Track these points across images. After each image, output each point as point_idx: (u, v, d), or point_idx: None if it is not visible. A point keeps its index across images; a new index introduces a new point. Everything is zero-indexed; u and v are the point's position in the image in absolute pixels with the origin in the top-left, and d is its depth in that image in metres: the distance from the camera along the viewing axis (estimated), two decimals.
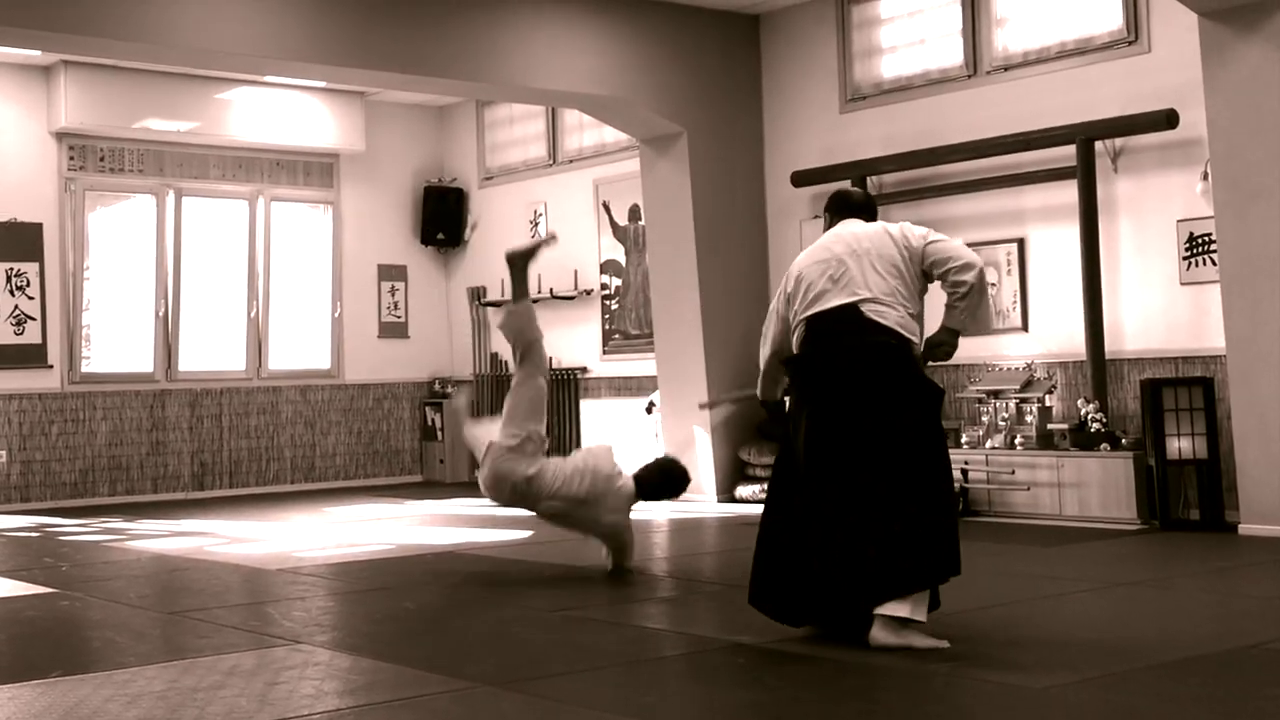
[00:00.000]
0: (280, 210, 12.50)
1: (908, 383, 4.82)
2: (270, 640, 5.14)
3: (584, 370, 11.91)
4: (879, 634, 4.66)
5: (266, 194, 12.38)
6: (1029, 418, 8.74)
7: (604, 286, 11.78)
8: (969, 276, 4.89)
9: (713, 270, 10.35)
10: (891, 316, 4.83)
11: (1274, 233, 7.46)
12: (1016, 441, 8.71)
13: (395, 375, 13.08)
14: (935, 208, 9.44)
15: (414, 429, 13.15)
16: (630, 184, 11.31)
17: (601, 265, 11.80)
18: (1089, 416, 8.35)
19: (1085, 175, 8.54)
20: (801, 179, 10.16)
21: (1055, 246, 8.95)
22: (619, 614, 5.63)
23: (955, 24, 9.48)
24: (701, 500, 10.04)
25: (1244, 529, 7.60)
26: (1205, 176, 7.99)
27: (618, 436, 11.35)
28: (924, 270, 4.95)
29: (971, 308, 4.92)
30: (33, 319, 11.14)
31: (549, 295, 12.11)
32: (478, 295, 12.97)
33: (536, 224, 12.41)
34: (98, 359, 11.54)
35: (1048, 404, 8.75)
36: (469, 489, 11.79)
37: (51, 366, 11.25)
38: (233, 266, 12.24)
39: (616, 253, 11.69)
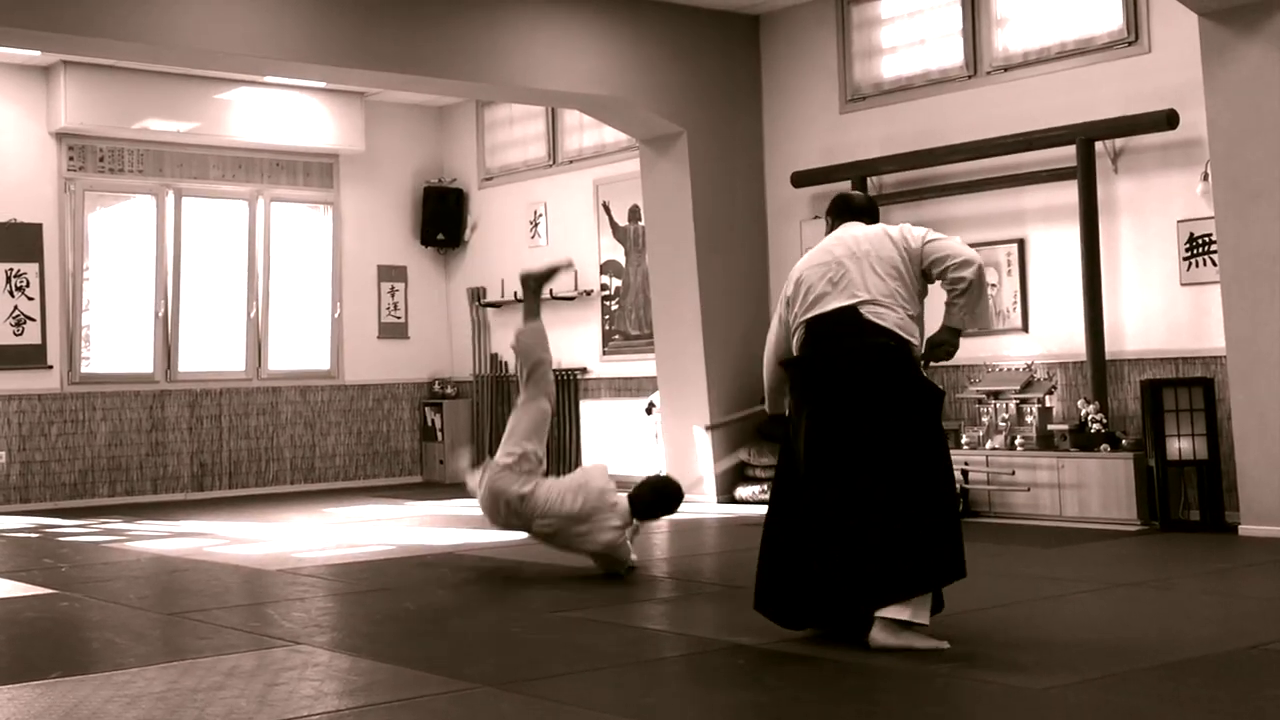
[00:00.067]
0: (280, 211, 12.49)
1: (906, 385, 4.82)
2: (270, 641, 5.14)
3: (584, 371, 11.90)
4: (878, 635, 4.66)
5: (266, 194, 12.38)
6: (1029, 418, 8.74)
7: (604, 287, 11.78)
8: (967, 273, 4.89)
9: (713, 271, 10.34)
10: (890, 318, 4.83)
11: (1274, 233, 7.45)
12: (1017, 442, 8.70)
13: (395, 376, 13.08)
14: (935, 208, 9.44)
15: (414, 430, 13.15)
16: (630, 184, 11.31)
17: (601, 266, 11.80)
18: (1089, 417, 8.34)
19: (1085, 176, 8.54)
20: (801, 179, 10.16)
21: (1055, 247, 8.94)
22: (619, 615, 5.62)
23: (955, 24, 9.48)
24: (701, 501, 10.03)
25: (1244, 530, 7.60)
26: (1205, 177, 7.99)
27: (617, 437, 11.39)
28: (923, 270, 4.95)
29: (970, 304, 4.92)
30: (32, 320, 11.14)
31: (549, 296, 12.10)
32: (477, 296, 12.97)
33: (536, 224, 12.41)
34: (97, 359, 11.54)
35: (1048, 405, 8.74)
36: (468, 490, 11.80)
37: (51, 367, 11.25)
38: (232, 267, 12.24)
39: (616, 253, 11.69)
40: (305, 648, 5.00)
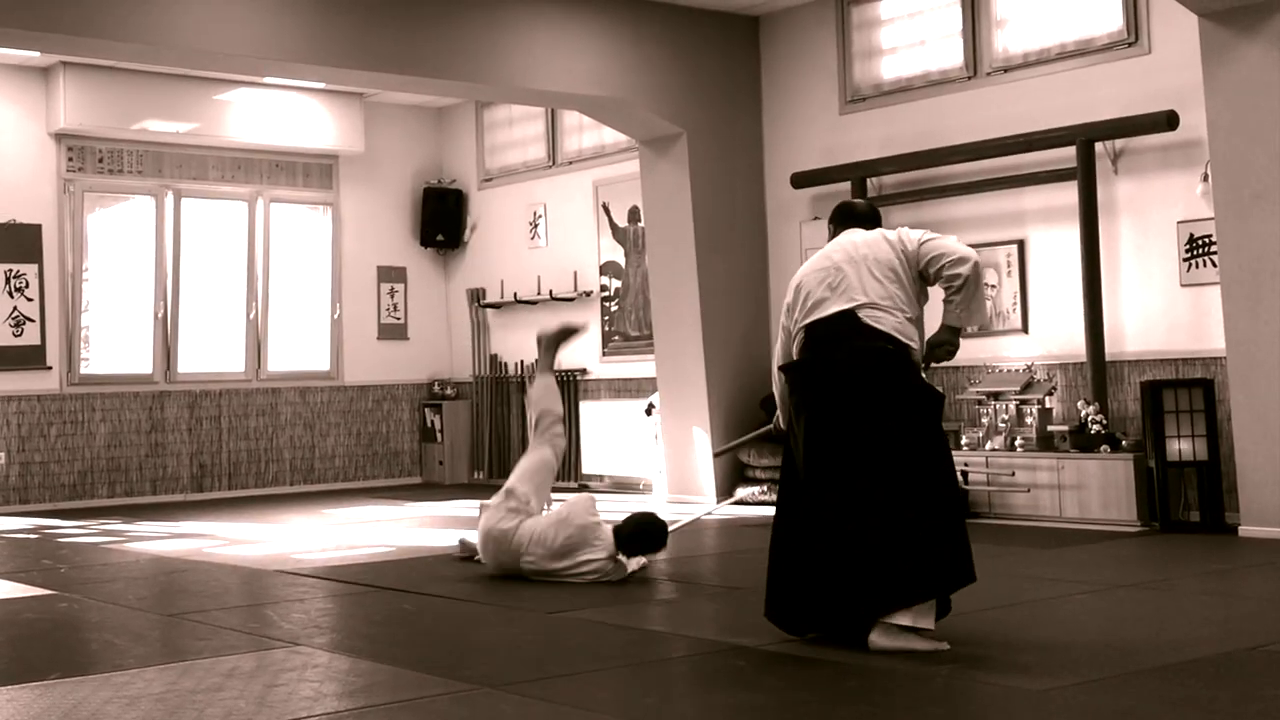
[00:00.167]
0: (279, 211, 12.49)
1: (904, 387, 4.81)
2: (269, 642, 5.14)
3: (583, 372, 11.90)
4: (878, 638, 4.65)
5: (266, 195, 12.37)
6: (1029, 419, 8.74)
7: (603, 288, 11.77)
8: (963, 270, 4.89)
9: (712, 271, 10.34)
10: (889, 322, 4.83)
11: (1274, 234, 7.45)
12: (1016, 443, 8.70)
13: (394, 377, 13.07)
14: (935, 209, 9.44)
15: (413, 430, 13.15)
16: (630, 185, 11.31)
17: (601, 267, 11.80)
18: (1089, 418, 8.34)
19: (1085, 176, 8.53)
20: (801, 180, 10.16)
21: (1055, 248, 8.94)
22: (619, 616, 5.62)
23: (955, 25, 9.47)
24: (701, 502, 10.03)
25: (1244, 531, 7.60)
26: (1205, 178, 7.99)
27: (617, 439, 11.39)
28: (920, 271, 4.95)
29: (966, 300, 4.92)
30: (31, 320, 11.13)
31: (549, 297, 12.12)
32: (477, 297, 12.96)
33: (536, 225, 12.41)
34: (97, 360, 11.53)
35: (1048, 406, 8.74)
36: (468, 490, 11.80)
37: (50, 368, 11.25)
38: (232, 268, 12.23)
39: (616, 254, 11.68)
40: (304, 649, 5.00)
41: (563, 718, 3.96)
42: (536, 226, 12.41)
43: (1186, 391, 8.06)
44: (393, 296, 13.11)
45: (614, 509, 8.45)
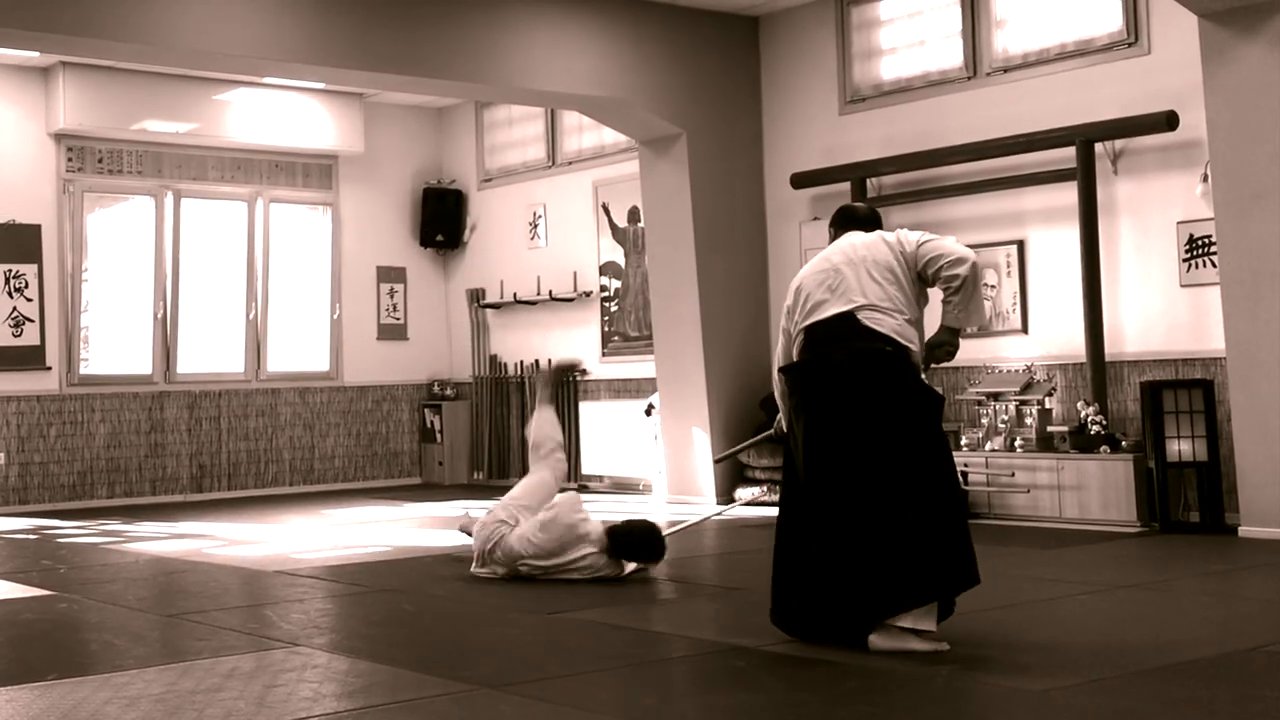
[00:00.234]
0: (279, 212, 12.49)
1: (904, 389, 4.81)
2: (268, 643, 5.14)
3: (583, 372, 11.89)
4: (878, 639, 4.65)
5: (265, 195, 12.37)
6: (1029, 420, 8.74)
7: (603, 288, 11.77)
8: (961, 270, 4.89)
9: (712, 272, 10.34)
10: (888, 323, 4.83)
11: (1274, 235, 7.45)
12: (1016, 444, 8.70)
13: (394, 377, 13.07)
14: (935, 209, 9.44)
15: (413, 431, 13.14)
16: (629, 185, 11.30)
17: (601, 267, 11.80)
18: (1089, 419, 8.34)
19: (1085, 177, 8.53)
20: (801, 180, 10.15)
21: (1055, 248, 8.94)
22: (618, 616, 5.62)
23: (955, 26, 9.47)
24: (701, 502, 10.02)
25: (1244, 531, 7.59)
26: (1205, 178, 7.99)
27: (617, 439, 11.38)
28: (919, 272, 4.95)
29: (965, 300, 4.92)
30: (31, 321, 11.13)
31: (548, 297, 12.11)
32: (477, 297, 12.96)
33: (535, 226, 12.41)
34: (96, 361, 11.53)
35: (1047, 406, 8.74)
36: (468, 491, 11.79)
37: (50, 368, 11.24)
38: (231, 268, 12.23)
39: (616, 254, 11.68)
40: (304, 649, 5.00)
41: (563, 718, 3.96)
42: (536, 227, 12.41)
43: (1186, 392, 8.05)
44: (392, 297, 13.11)
45: (614, 509, 8.45)
